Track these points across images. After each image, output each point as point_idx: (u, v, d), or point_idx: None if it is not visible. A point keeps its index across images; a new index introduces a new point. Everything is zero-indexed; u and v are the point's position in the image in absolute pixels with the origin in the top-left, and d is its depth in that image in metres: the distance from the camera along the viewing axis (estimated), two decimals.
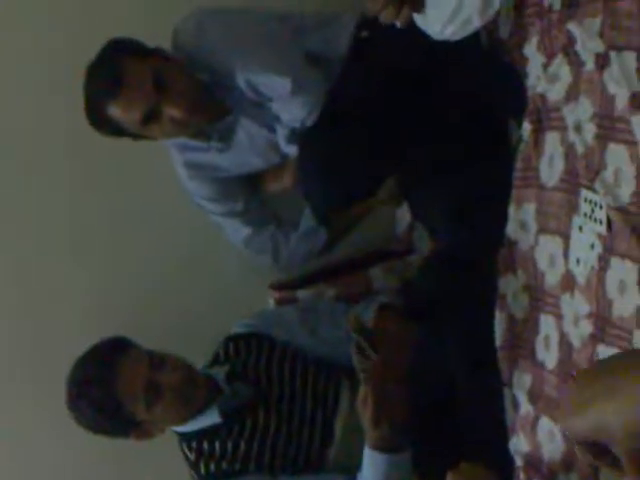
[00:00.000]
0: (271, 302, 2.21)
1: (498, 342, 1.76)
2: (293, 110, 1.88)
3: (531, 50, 1.64)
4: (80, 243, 2.22)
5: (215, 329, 2.12)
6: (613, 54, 1.37)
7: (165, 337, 2.08)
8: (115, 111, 1.85)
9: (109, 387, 1.89)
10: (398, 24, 1.28)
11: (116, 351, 1.94)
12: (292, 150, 1.91)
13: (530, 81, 1.64)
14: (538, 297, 1.64)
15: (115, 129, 1.89)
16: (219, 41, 1.90)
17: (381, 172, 1.82)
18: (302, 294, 2.19)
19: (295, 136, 1.88)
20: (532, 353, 1.66)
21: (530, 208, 1.65)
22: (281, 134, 1.94)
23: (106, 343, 1.97)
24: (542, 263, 1.62)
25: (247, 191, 2.15)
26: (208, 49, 1.91)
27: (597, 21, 1.42)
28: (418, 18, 1.63)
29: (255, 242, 2.17)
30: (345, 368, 1.97)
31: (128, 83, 1.83)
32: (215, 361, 2.08)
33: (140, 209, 2.21)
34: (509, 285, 1.73)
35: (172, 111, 1.85)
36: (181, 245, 2.23)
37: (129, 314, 2.17)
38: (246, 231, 2.15)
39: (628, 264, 1.35)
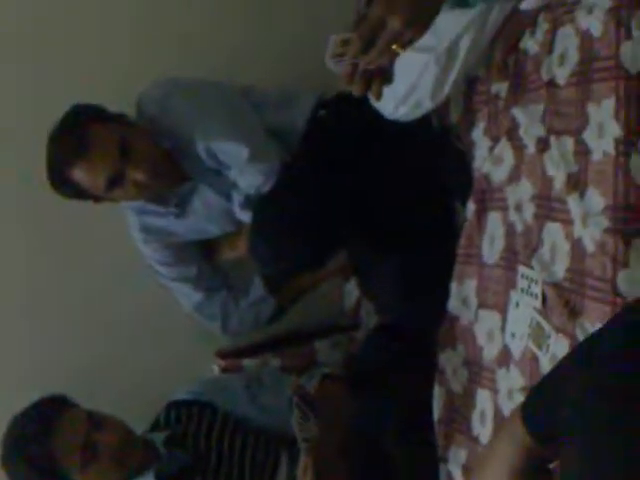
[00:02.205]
0: (216, 369, 2.22)
1: (436, 416, 1.79)
2: (249, 177, 1.94)
3: (478, 134, 1.72)
4: (30, 301, 2.21)
5: (159, 394, 2.11)
6: (553, 138, 1.46)
7: (108, 399, 2.07)
8: (80, 175, 1.88)
9: (46, 444, 1.86)
10: (372, 98, 1.34)
11: (55, 409, 1.93)
12: (246, 217, 1.95)
13: (476, 163, 1.72)
14: (476, 372, 1.68)
15: (77, 192, 1.92)
16: (181, 110, 1.96)
17: (330, 244, 1.87)
18: (248, 363, 2.21)
19: (250, 203, 1.94)
20: (468, 428, 1.69)
21: (471, 284, 1.70)
22: (236, 200, 1.99)
23: (46, 401, 1.96)
24: (481, 338, 1.66)
25: (200, 257, 2.19)
26: (171, 116, 1.97)
27: (540, 107, 1.51)
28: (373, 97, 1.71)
29: (205, 308, 2.19)
30: (285, 439, 1.97)
31: (94, 148, 1.87)
32: (156, 426, 2.07)
33: (91, 270, 2.21)
34: (449, 360, 1.77)
35: (136, 175, 1.90)
36: (129, 308, 2.23)
37: (72, 373, 2.16)
38: (197, 297, 2.18)
39: (561, 338, 1.40)
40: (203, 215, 2.10)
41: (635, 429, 0.78)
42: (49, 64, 2.15)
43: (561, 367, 1.00)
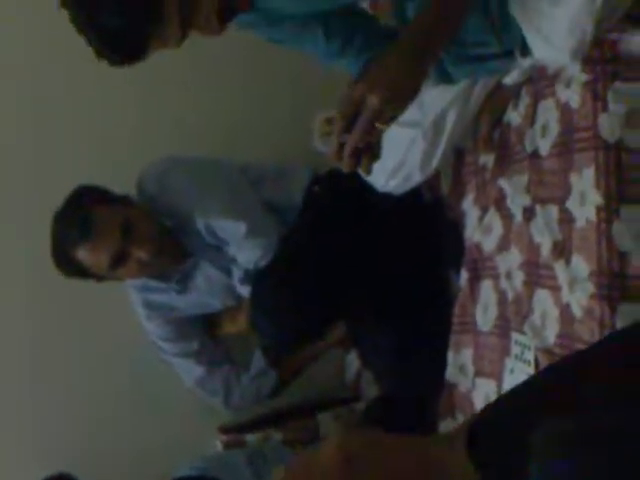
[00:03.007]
0: (219, 445, 2.22)
1: None
2: (247, 252, 1.98)
3: (468, 204, 1.77)
4: (31, 374, 2.22)
5: (161, 470, 2.11)
6: (538, 207, 1.50)
7: (110, 475, 2.08)
8: (84, 256, 1.92)
9: None
10: (362, 174, 1.38)
11: None
12: (246, 291, 1.98)
13: (467, 233, 1.76)
14: None
15: (81, 271, 1.96)
16: (180, 188, 2.02)
17: (329, 315, 1.90)
18: (250, 438, 2.21)
19: (249, 277, 1.97)
20: None
21: (468, 352, 1.72)
22: (236, 275, 2.03)
23: (54, 478, 1.97)
24: (478, 406, 1.67)
25: (202, 331, 2.21)
26: (170, 194, 2.02)
27: (524, 178, 1.55)
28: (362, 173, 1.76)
29: (207, 383, 2.20)
30: None
31: (98, 229, 1.92)
32: None
33: (93, 345, 2.24)
34: (448, 428, 1.77)
35: (139, 254, 1.94)
36: (131, 384, 2.25)
37: (73, 450, 2.16)
38: (199, 372, 2.19)
39: None
40: (205, 290, 2.13)
41: None
42: (49, 144, 2.22)
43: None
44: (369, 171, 1.33)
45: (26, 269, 2.19)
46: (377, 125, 1.23)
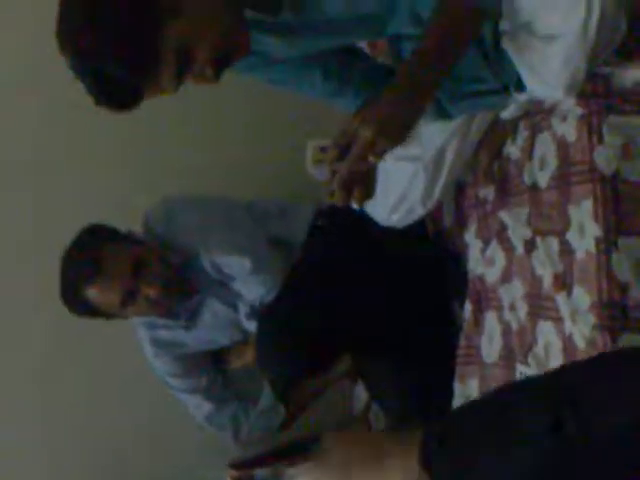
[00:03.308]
0: None
1: None
2: (253, 288, 2.00)
3: (470, 236, 1.78)
4: (47, 416, 2.25)
5: None
6: (539, 239, 1.51)
7: None
8: (95, 294, 1.94)
9: None
10: (355, 205, 1.40)
11: None
12: (252, 326, 2.00)
13: (470, 265, 1.77)
14: None
15: (91, 310, 1.98)
16: (186, 225, 2.04)
17: (334, 350, 1.91)
18: (260, 473, 2.21)
19: (255, 313, 1.99)
20: None
21: (474, 384, 1.73)
22: (242, 311, 2.04)
23: None
24: None
25: (210, 367, 2.23)
26: (176, 232, 2.05)
27: (525, 210, 1.57)
28: (367, 205, 1.78)
29: (216, 419, 2.21)
30: None
31: (107, 268, 1.93)
32: None
33: (104, 381, 2.25)
34: None
35: (149, 291, 1.96)
36: (140, 419, 2.27)
37: None
38: (208, 407, 2.21)
39: None
40: (212, 326, 2.15)
41: None
42: (54, 181, 2.26)
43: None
44: (361, 202, 1.35)
45: (33, 305, 2.21)
46: (370, 157, 1.25)
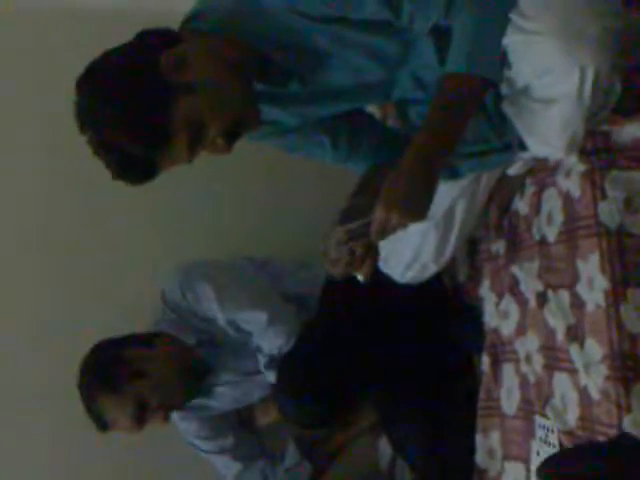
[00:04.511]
0: None
1: None
2: (270, 340, 2.04)
3: (485, 290, 1.82)
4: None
5: None
6: (550, 292, 1.55)
7: None
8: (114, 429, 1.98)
9: None
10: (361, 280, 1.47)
11: None
12: (272, 376, 2.04)
13: (486, 318, 1.81)
14: None
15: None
16: (202, 292, 2.09)
17: (353, 400, 1.95)
18: None
19: (274, 362, 2.03)
20: None
21: (495, 436, 1.75)
22: (261, 361, 2.08)
23: None
24: None
25: (236, 426, 2.26)
26: (192, 300, 2.09)
27: (535, 264, 1.61)
28: (382, 263, 1.83)
29: (246, 477, 2.24)
30: None
31: (110, 419, 1.95)
32: None
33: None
34: None
35: (157, 420, 1.99)
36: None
37: None
38: (236, 467, 2.23)
39: None
40: (231, 396, 2.18)
41: None
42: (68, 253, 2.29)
43: None
44: (367, 278, 1.44)
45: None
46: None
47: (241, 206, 2.39)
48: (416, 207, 1.29)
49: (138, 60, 1.29)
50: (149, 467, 2.31)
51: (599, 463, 1.09)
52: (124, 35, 1.33)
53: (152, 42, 1.31)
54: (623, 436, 1.25)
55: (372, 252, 1.42)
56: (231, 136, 1.35)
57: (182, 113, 1.29)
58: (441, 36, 1.37)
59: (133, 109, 1.27)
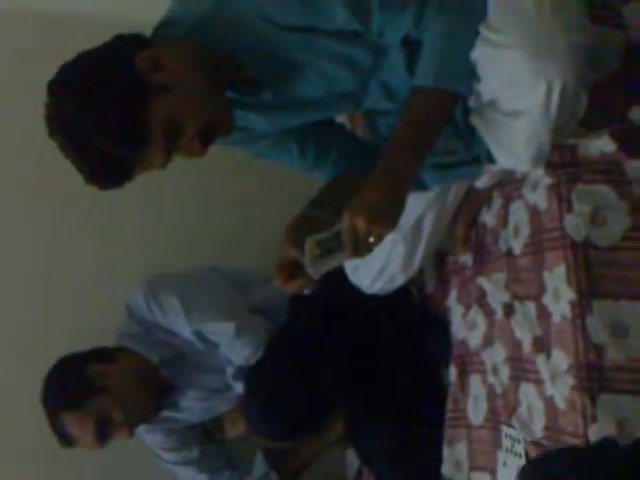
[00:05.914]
0: None
1: None
2: (238, 350, 2.04)
3: (452, 302, 1.83)
4: None
5: None
6: (517, 303, 1.56)
7: None
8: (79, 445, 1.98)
9: None
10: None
11: None
12: (239, 387, 2.04)
13: (454, 329, 1.82)
14: None
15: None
16: (167, 304, 2.08)
17: (319, 410, 1.95)
18: None
19: (242, 373, 2.03)
20: None
21: (462, 447, 1.76)
22: (229, 372, 2.08)
23: None
24: None
25: (202, 438, 2.24)
26: (158, 313, 2.09)
27: (502, 276, 1.62)
28: (350, 274, 1.84)
29: None
30: None
31: (74, 436, 1.95)
32: None
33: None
34: None
35: (121, 435, 1.98)
36: None
37: None
38: (201, 479, 2.22)
39: None
40: (197, 408, 2.17)
41: None
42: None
43: None
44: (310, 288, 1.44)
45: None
46: (370, 239, 1.30)
47: (208, 217, 2.38)
48: (387, 215, 1.29)
49: (113, 61, 1.29)
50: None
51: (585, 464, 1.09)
52: (95, 41, 1.32)
53: (126, 44, 1.31)
54: (605, 440, 1.25)
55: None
56: (206, 138, 1.35)
57: (157, 113, 1.28)
58: (413, 47, 1.39)
59: (108, 108, 1.26)
